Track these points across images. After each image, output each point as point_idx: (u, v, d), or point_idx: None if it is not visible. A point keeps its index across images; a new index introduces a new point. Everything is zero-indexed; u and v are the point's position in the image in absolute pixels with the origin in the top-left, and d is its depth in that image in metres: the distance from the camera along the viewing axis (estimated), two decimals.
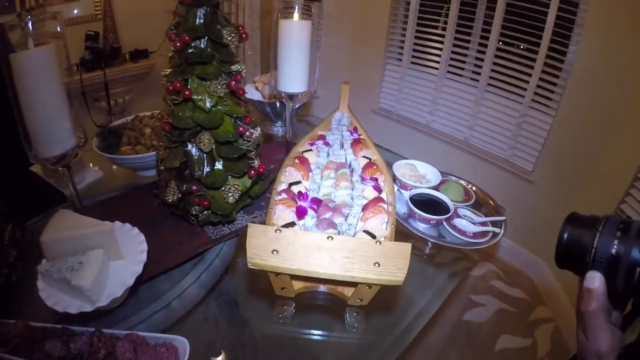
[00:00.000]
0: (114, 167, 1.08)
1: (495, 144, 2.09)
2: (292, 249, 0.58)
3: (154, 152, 0.94)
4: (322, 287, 0.72)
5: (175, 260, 0.74)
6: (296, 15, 0.88)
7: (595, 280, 0.41)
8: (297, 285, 0.69)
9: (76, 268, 0.60)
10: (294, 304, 0.71)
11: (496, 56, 1.96)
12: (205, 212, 0.80)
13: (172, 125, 0.74)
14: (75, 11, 2.34)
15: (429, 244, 0.90)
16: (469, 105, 2.13)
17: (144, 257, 0.66)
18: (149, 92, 2.64)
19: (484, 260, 2.09)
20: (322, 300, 0.72)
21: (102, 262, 0.63)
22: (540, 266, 2.04)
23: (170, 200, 0.78)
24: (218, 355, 0.54)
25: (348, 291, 0.69)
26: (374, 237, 0.66)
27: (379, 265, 0.56)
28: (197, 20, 0.69)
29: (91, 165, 1.09)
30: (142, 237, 0.70)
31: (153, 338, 0.57)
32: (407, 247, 0.60)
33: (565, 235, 0.43)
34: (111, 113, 2.51)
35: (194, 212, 0.78)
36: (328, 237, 0.61)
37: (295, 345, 0.67)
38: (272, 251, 0.57)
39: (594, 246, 0.40)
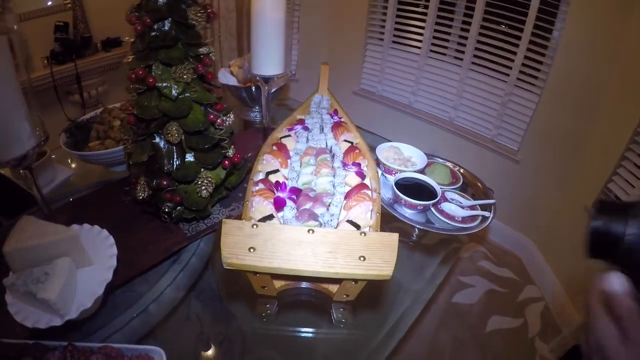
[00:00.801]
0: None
1: (480, 123, 2.06)
2: (271, 245, 0.54)
3: (122, 147, 0.88)
4: (305, 284, 0.68)
5: (149, 262, 0.69)
6: None
7: (616, 282, 0.34)
8: (279, 283, 0.65)
9: (42, 280, 0.56)
10: (276, 302, 0.67)
11: (480, 34, 1.92)
12: (178, 208, 0.75)
13: (137, 117, 0.68)
14: (50, 2, 2.21)
15: (416, 230, 0.87)
16: (453, 85, 2.09)
17: (113, 262, 0.62)
18: (124, 82, 2.51)
19: (472, 241, 2.09)
20: (306, 296, 0.69)
21: (69, 270, 0.59)
22: (528, 245, 2.05)
23: (141, 197, 0.73)
24: (207, 349, 0.51)
25: (333, 287, 0.66)
26: (358, 227, 0.63)
27: (364, 259, 0.53)
28: (159, 0, 0.63)
29: (61, 163, 1.03)
30: (111, 240, 0.65)
31: (129, 350, 0.54)
32: (394, 238, 0.56)
33: (595, 224, 0.39)
34: (85, 106, 2.41)
35: (166, 209, 0.73)
36: (309, 231, 0.57)
37: (283, 340, 0.64)
38: (249, 249, 0.53)
39: (625, 234, 0.37)
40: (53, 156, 0.99)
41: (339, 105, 1.01)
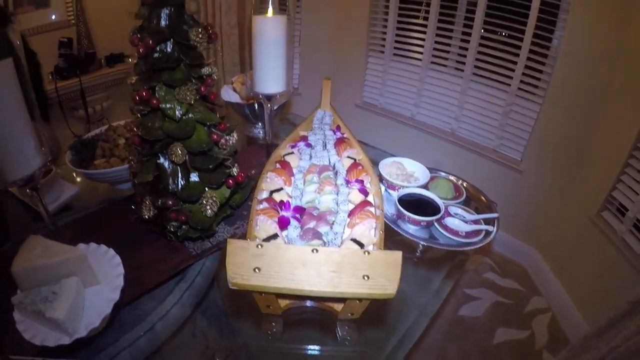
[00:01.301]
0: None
1: (482, 134, 2.06)
2: (276, 265, 0.54)
3: (127, 165, 0.89)
4: (310, 302, 0.68)
5: (156, 280, 0.69)
6: (270, 11, 0.83)
7: None
8: (284, 302, 0.65)
9: (50, 299, 0.56)
10: (282, 321, 0.67)
11: (480, 45, 1.93)
12: (183, 227, 0.75)
13: (141, 138, 0.69)
14: (53, 17, 2.24)
15: (420, 246, 0.87)
16: (455, 96, 2.10)
17: (120, 281, 0.62)
18: (128, 97, 2.55)
19: (477, 253, 2.08)
20: (311, 315, 0.68)
21: (77, 290, 0.59)
22: (534, 255, 2.04)
23: (147, 217, 0.74)
24: None
25: (338, 305, 0.66)
26: (362, 245, 0.63)
27: (368, 278, 0.53)
28: (161, 22, 0.64)
29: (67, 179, 1.04)
30: (117, 259, 0.66)
31: None
32: (397, 256, 0.56)
33: None
34: (90, 121, 2.44)
35: (171, 228, 0.73)
36: (313, 250, 0.57)
37: (289, 357, 0.64)
38: (254, 269, 0.53)
39: None
40: (59, 171, 1.00)
41: (341, 121, 1.02)
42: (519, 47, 1.79)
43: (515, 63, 1.83)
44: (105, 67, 2.50)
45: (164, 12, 0.64)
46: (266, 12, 0.83)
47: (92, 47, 2.42)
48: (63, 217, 0.88)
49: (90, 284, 0.63)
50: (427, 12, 2.08)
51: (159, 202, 0.71)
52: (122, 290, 0.62)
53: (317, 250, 0.57)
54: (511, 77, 1.86)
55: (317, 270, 0.54)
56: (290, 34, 0.87)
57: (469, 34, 1.95)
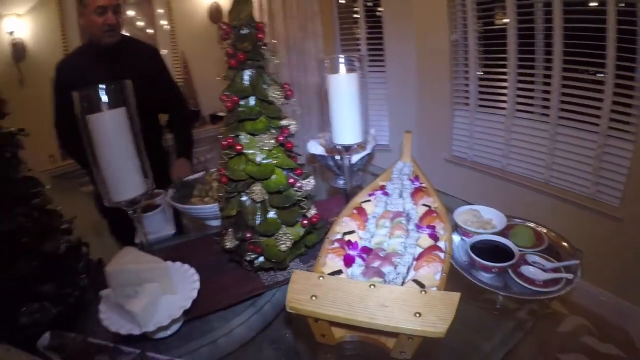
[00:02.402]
0: (184, 222, 1.21)
1: (576, 181, 1.91)
2: (332, 295, 0.58)
3: (217, 204, 1.02)
4: (363, 337, 0.69)
5: (226, 302, 0.77)
6: (342, 69, 0.93)
7: None
8: (338, 333, 0.67)
9: (132, 295, 0.68)
10: (336, 352, 0.68)
11: (563, 85, 1.86)
12: (259, 258, 0.83)
13: (228, 177, 0.81)
14: None
15: (500, 297, 0.82)
16: (543, 143, 2.00)
17: (194, 294, 0.71)
18: None
19: (574, 314, 1.82)
20: (365, 350, 0.68)
21: (155, 293, 0.70)
22: (638, 316, 1.72)
23: (228, 247, 0.84)
24: None
25: (391, 342, 0.66)
26: (422, 286, 0.63)
27: (420, 315, 0.53)
28: (245, 82, 0.77)
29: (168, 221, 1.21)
30: (196, 277, 0.76)
31: None
32: (454, 297, 0.56)
33: None
34: (195, 170, 2.79)
35: (248, 258, 0.82)
36: (370, 286, 0.60)
37: None
38: (312, 296, 0.58)
39: None
40: (163, 208, 1.17)
41: (421, 172, 1.05)
42: (602, 83, 1.68)
43: (601, 100, 1.71)
44: (209, 124, 2.89)
45: (247, 74, 0.78)
46: (338, 71, 0.93)
47: (196, 105, 2.84)
48: (158, 243, 1.04)
49: (168, 292, 0.73)
50: (506, 59, 2.05)
51: (239, 234, 0.81)
52: (194, 301, 0.70)
53: (374, 286, 0.60)
54: (599, 117, 1.74)
55: (372, 303, 0.56)
56: (362, 90, 0.95)
57: (550, 76, 1.88)
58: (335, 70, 0.93)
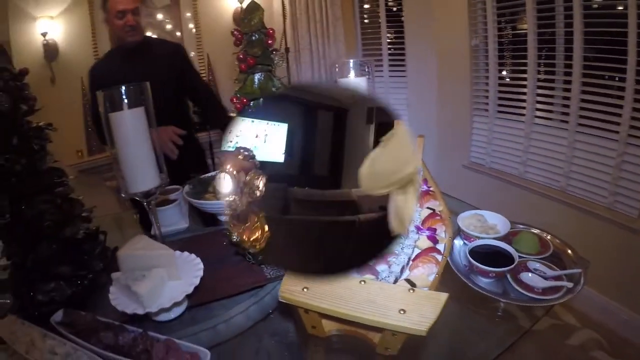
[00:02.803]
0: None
1: (593, 190, 1.86)
2: (323, 288, 0.61)
3: None
4: (352, 331, 0.71)
5: (228, 291, 0.82)
6: (352, 73, 0.96)
7: None
8: (328, 326, 0.69)
9: (139, 278, 0.73)
10: (324, 345, 0.71)
11: (583, 92, 1.82)
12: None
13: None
14: None
15: (502, 304, 0.82)
16: (562, 150, 1.95)
17: (196, 281, 0.76)
18: None
19: (584, 326, 1.77)
20: (353, 345, 0.70)
21: (161, 278, 0.75)
22: None
23: (234, 240, 0.88)
24: None
25: (377, 338, 0.68)
26: (414, 286, 0.65)
27: (404, 312, 0.55)
28: (254, 84, 0.82)
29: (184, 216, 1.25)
30: (200, 265, 0.80)
31: (185, 346, 0.65)
32: (441, 297, 0.58)
33: None
34: (215, 168, 2.87)
35: (251, 251, 0.86)
36: (361, 281, 0.62)
37: None
38: (303, 288, 0.61)
39: None
40: (179, 203, 1.22)
41: (429, 176, 1.06)
42: (623, 89, 1.64)
43: (621, 107, 1.66)
44: None
45: (256, 77, 0.82)
46: (349, 75, 0.95)
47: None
48: (170, 235, 1.10)
49: (173, 278, 0.77)
50: (526, 64, 2.03)
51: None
52: (198, 289, 0.75)
53: (364, 282, 0.62)
54: (619, 124, 1.69)
55: (360, 298, 0.59)
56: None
57: (570, 82, 1.85)
58: (345, 74, 0.96)
